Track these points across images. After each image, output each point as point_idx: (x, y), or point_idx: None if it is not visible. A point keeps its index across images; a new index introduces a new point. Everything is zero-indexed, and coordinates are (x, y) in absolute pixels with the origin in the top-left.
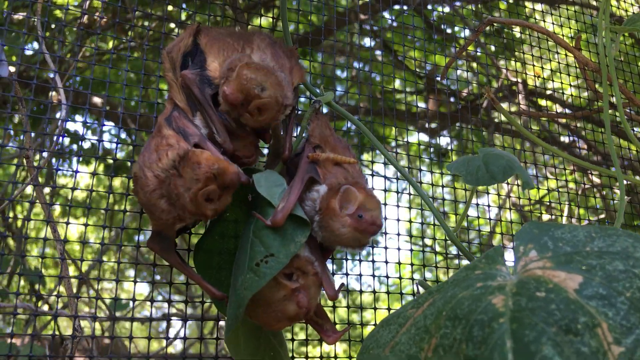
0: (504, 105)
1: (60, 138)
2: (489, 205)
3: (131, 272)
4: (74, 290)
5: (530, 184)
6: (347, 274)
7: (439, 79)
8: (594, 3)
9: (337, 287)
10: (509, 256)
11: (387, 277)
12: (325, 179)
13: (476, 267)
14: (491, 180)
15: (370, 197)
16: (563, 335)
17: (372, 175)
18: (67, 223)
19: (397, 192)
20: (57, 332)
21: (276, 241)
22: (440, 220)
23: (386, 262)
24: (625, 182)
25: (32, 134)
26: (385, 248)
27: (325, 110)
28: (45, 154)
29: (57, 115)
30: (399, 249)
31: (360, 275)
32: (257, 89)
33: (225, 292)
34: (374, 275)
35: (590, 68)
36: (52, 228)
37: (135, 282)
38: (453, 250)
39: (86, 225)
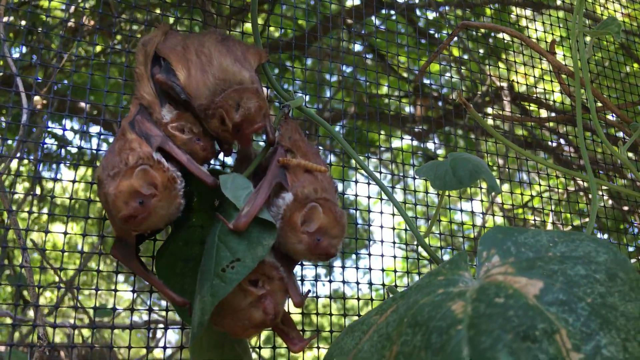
0: (490, 110)
1: (23, 143)
2: (465, 211)
3: (120, 277)
4: (58, 294)
5: (496, 188)
6: (343, 282)
7: (428, 82)
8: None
9: (303, 293)
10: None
11: (358, 283)
12: (292, 186)
13: (439, 272)
14: (458, 184)
15: (335, 222)
16: (520, 342)
17: (368, 183)
18: (27, 230)
19: (391, 200)
20: (33, 340)
21: (242, 245)
22: (411, 227)
23: (357, 268)
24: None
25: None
26: (382, 256)
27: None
28: (8, 162)
29: (21, 122)
30: (394, 257)
31: (356, 282)
32: (258, 116)
33: (189, 300)
34: (365, 283)
35: (563, 72)
36: (17, 235)
37: (96, 290)
38: (446, 255)
39: (46, 232)
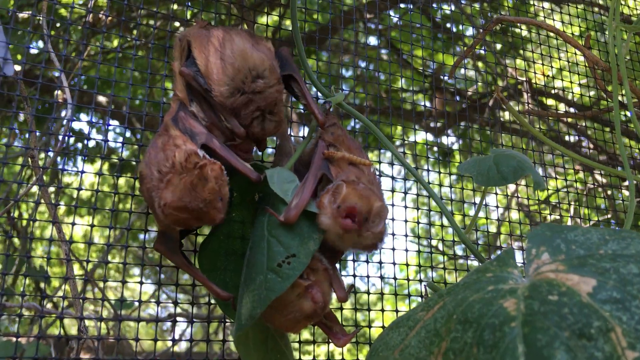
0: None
1: (66, 137)
2: (496, 206)
3: (136, 270)
4: (79, 288)
5: (542, 184)
6: (354, 276)
7: (446, 78)
8: (600, 2)
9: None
10: (518, 257)
11: (395, 278)
12: (337, 177)
13: (487, 269)
14: (502, 180)
15: (361, 197)
16: (576, 339)
17: (380, 175)
18: (73, 224)
19: (405, 192)
20: (62, 332)
21: (295, 240)
22: (452, 222)
23: (394, 263)
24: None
25: (37, 133)
26: (393, 249)
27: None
28: (50, 153)
29: (62, 114)
30: (406, 250)
31: (368, 277)
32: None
33: (231, 293)
34: (381, 277)
35: (600, 67)
36: (58, 229)
37: (141, 283)
38: (458, 250)
39: (92, 226)
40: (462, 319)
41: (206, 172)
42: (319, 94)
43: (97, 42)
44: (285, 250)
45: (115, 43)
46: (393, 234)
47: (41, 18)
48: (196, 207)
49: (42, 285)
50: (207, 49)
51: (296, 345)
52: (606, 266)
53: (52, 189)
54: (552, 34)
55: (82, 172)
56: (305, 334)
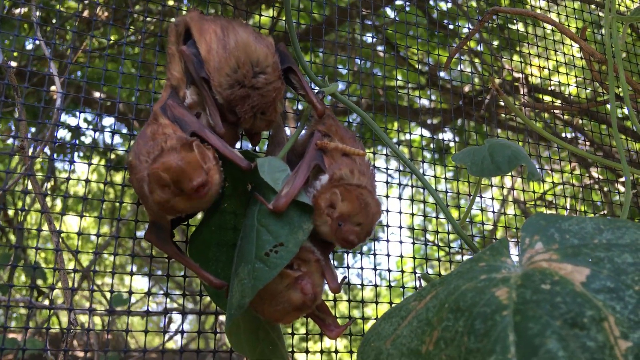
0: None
1: (57, 127)
2: (492, 198)
3: (134, 266)
4: (74, 283)
5: (536, 174)
6: (347, 267)
7: (442, 73)
8: None
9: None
10: (513, 250)
11: (389, 270)
12: (329, 168)
13: (480, 259)
14: (496, 170)
15: (360, 209)
16: (568, 328)
17: (375, 167)
18: (62, 214)
19: (399, 184)
20: (57, 326)
21: (284, 229)
22: (447, 214)
23: (388, 255)
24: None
25: (32, 129)
26: (387, 241)
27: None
28: (43, 146)
29: (57, 104)
30: (400, 242)
31: (362, 268)
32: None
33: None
34: (375, 269)
35: (596, 59)
36: (48, 219)
37: (132, 274)
38: (455, 245)
39: (82, 215)
40: (454, 307)
41: (191, 145)
42: (314, 85)
43: (92, 36)
44: (274, 239)
45: (113, 38)
46: (387, 225)
47: (33, 15)
48: (175, 164)
49: (33, 277)
50: (209, 35)
51: (290, 340)
52: (600, 255)
53: (48, 184)
54: (549, 31)
55: (73, 161)
56: (302, 330)
